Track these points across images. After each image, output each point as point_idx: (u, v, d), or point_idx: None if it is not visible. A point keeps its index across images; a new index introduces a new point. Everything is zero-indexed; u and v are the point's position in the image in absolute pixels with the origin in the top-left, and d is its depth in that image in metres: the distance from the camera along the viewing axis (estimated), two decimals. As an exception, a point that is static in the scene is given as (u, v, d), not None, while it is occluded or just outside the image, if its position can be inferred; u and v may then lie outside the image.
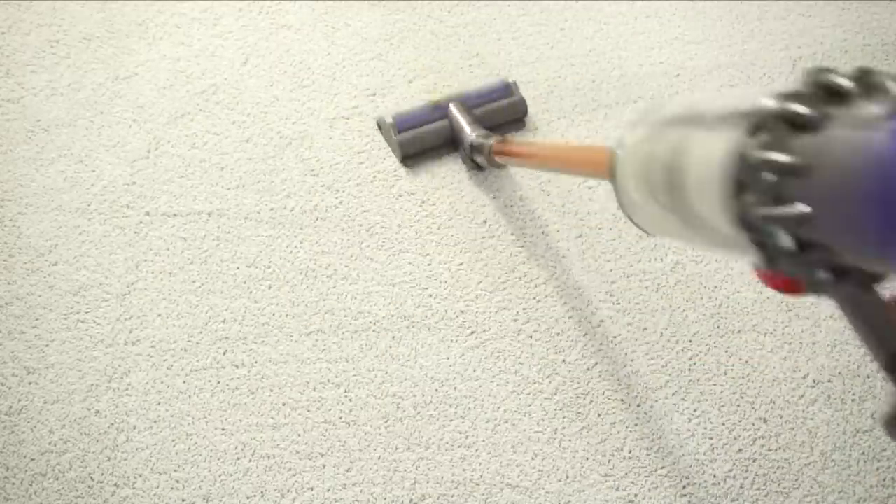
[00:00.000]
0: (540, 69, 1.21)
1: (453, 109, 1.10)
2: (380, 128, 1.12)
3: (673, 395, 0.96)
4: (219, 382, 0.93)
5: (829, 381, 0.98)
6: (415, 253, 1.03)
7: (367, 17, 1.24)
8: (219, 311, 0.97)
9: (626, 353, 0.98)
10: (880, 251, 0.29)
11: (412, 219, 1.06)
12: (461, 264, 1.03)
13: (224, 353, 0.95)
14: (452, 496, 0.89)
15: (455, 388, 0.94)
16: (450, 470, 0.90)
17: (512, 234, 1.06)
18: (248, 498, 0.87)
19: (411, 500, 0.88)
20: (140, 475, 0.87)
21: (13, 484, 0.86)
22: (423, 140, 1.09)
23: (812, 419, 0.96)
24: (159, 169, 1.08)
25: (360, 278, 1.01)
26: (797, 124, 0.32)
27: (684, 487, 0.91)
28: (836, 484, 0.92)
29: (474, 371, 0.96)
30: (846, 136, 0.30)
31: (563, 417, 0.94)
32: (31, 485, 0.87)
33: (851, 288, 0.35)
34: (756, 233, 0.34)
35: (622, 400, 0.95)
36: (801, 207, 0.31)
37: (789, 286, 0.37)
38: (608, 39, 1.25)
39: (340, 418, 0.92)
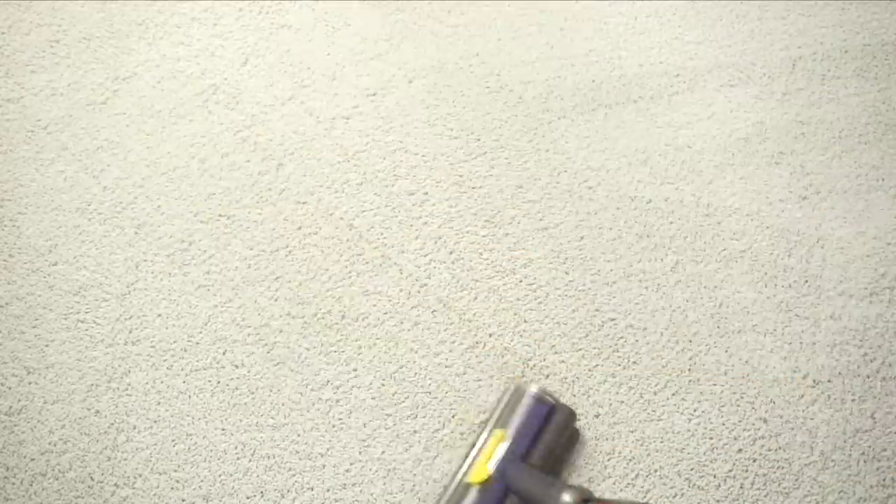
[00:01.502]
0: (540, 69, 1.21)
1: (511, 474, 0.83)
2: None
3: (673, 395, 0.96)
4: (219, 382, 0.93)
5: (829, 381, 0.98)
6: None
7: (367, 17, 1.24)
8: (219, 311, 0.97)
9: (626, 354, 0.98)
10: None
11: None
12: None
13: (224, 353, 0.95)
14: (452, 496, 0.89)
15: (454, 387, 0.94)
16: (448, 469, 0.90)
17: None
18: (248, 498, 0.87)
19: (411, 500, 0.88)
20: (140, 475, 0.87)
21: (13, 484, 0.86)
22: None
23: (812, 419, 0.96)
24: (159, 169, 1.08)
25: (356, 281, 1.01)
26: None
27: (684, 488, 0.91)
28: (836, 484, 0.92)
29: (478, 372, 0.96)
30: None
31: (563, 417, 0.94)
32: (31, 485, 0.87)
33: None
34: None
35: (622, 401, 0.95)
36: None
37: None
38: (608, 39, 1.25)
39: (340, 419, 0.92)
